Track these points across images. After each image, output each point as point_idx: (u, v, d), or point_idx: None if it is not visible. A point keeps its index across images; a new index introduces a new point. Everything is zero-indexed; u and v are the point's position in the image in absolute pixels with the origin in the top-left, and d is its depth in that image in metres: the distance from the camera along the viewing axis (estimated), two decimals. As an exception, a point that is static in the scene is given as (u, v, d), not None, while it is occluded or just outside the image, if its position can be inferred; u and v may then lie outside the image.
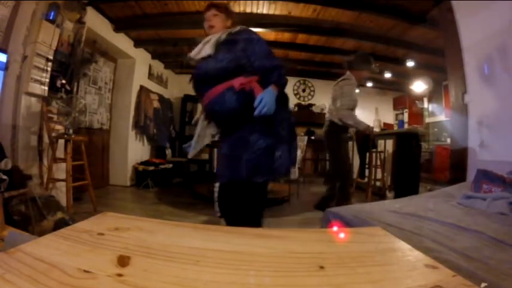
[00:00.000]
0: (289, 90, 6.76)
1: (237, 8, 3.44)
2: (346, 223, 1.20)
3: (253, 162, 1.22)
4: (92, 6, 3.17)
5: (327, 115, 2.74)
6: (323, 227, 1.35)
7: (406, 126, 6.33)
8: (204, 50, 1.32)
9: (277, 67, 1.29)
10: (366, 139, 3.47)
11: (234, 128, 1.29)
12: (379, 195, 3.56)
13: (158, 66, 5.37)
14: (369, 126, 2.60)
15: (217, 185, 1.40)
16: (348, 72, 2.55)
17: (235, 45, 1.29)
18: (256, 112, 1.18)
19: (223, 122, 1.35)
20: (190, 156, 1.43)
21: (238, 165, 1.24)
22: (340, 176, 2.56)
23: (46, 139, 2.57)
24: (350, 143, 3.66)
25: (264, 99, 1.18)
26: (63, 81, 2.71)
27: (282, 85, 1.31)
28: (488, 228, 1.05)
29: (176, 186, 4.68)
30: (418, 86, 5.68)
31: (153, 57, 5.05)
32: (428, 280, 0.42)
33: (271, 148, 1.25)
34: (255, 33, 1.36)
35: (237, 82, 1.23)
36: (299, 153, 3.69)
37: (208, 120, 1.42)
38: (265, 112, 1.18)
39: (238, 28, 1.38)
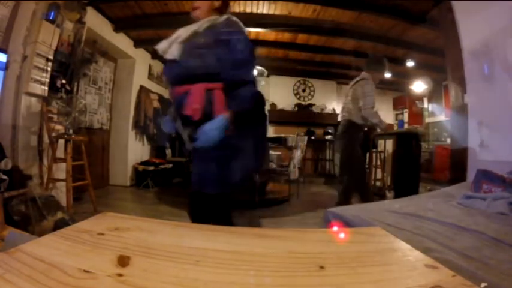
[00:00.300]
0: (289, 90, 6.78)
1: (237, 8, 3.44)
2: (346, 223, 1.20)
3: (204, 171, 1.16)
4: (92, 6, 3.17)
5: (343, 115, 2.76)
6: (323, 227, 1.35)
7: (406, 126, 6.34)
8: (170, 51, 1.16)
9: (247, 83, 1.12)
10: (366, 139, 3.46)
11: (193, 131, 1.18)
12: (379, 195, 3.56)
13: (158, 66, 5.37)
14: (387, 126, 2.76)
15: None
16: (363, 73, 2.64)
17: (206, 48, 1.12)
18: (194, 144, 1.09)
19: (184, 122, 1.23)
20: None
21: (195, 172, 1.20)
22: (353, 178, 2.61)
23: (46, 139, 2.57)
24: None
25: (204, 136, 1.05)
26: (63, 81, 2.71)
27: (245, 109, 1.12)
28: (488, 228, 1.05)
29: (176, 186, 4.68)
30: (418, 86, 5.69)
31: (153, 57, 5.04)
32: (428, 280, 0.42)
33: (224, 159, 1.13)
34: (239, 31, 1.16)
35: (198, 89, 1.10)
36: (299, 153, 3.69)
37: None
38: (204, 147, 1.07)
39: (224, 18, 1.18)
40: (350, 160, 2.63)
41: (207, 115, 1.09)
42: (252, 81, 1.15)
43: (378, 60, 2.72)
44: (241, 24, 1.18)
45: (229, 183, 1.14)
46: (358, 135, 2.65)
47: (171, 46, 1.16)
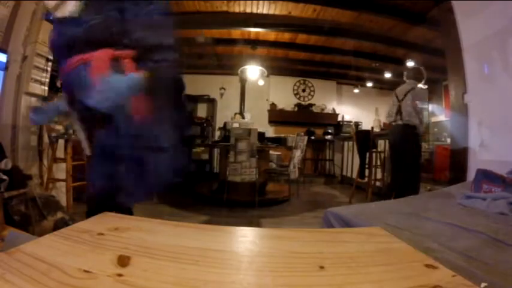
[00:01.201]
0: (289, 90, 6.78)
1: (237, 8, 3.44)
2: (346, 223, 1.20)
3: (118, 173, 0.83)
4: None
5: (406, 119, 2.95)
6: (323, 227, 1.35)
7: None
8: (66, 5, 0.86)
9: (165, 47, 0.84)
10: (366, 139, 3.47)
11: (94, 122, 0.87)
12: (379, 195, 3.56)
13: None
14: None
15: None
16: (411, 81, 3.08)
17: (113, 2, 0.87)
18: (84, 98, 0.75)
19: (79, 112, 0.92)
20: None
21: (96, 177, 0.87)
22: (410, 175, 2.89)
23: (46, 139, 2.57)
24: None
25: (106, 85, 0.76)
26: (63, 81, 2.71)
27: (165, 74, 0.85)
28: (488, 228, 1.05)
29: (176, 186, 4.67)
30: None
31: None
32: (428, 280, 0.42)
33: (132, 159, 0.84)
34: None
35: (98, 55, 0.81)
36: (299, 153, 3.69)
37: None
38: (102, 106, 0.74)
39: None
40: (413, 160, 2.90)
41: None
42: (173, 47, 0.87)
43: (418, 71, 3.17)
44: None
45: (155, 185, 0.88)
46: (417, 136, 2.98)
47: None
